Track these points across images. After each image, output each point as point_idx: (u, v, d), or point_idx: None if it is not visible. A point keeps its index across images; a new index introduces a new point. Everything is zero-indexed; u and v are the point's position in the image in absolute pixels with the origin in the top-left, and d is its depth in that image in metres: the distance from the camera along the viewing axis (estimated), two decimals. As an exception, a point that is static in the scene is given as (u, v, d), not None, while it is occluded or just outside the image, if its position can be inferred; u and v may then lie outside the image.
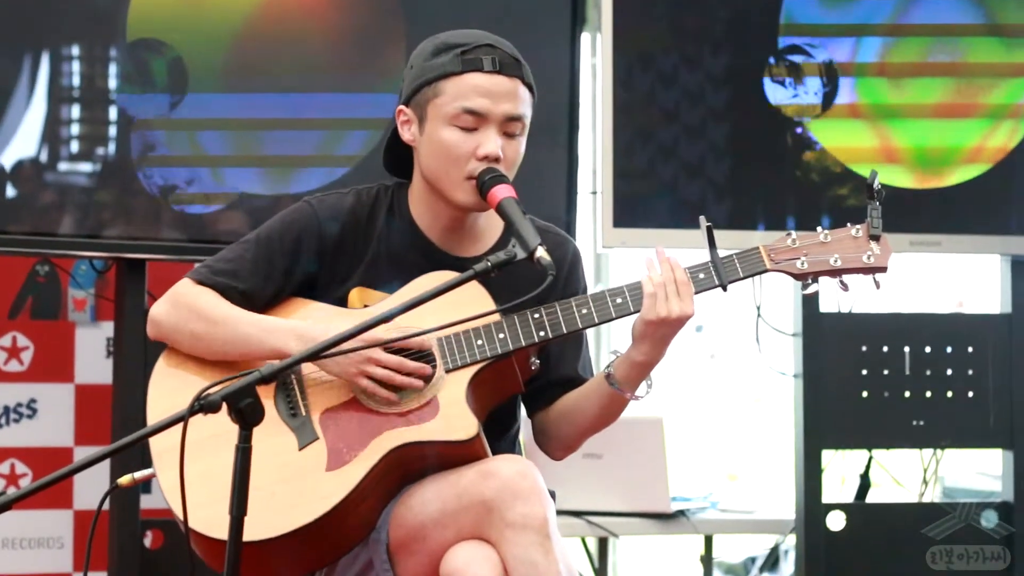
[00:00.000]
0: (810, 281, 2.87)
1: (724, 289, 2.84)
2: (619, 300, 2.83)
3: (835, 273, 2.85)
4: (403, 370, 2.78)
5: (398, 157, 3.00)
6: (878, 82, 4.42)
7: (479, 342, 2.81)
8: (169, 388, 2.88)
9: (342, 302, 2.93)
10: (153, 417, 2.84)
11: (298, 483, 2.74)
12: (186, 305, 2.88)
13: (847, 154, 4.40)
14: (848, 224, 2.87)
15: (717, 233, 2.83)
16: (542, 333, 2.81)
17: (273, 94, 4.09)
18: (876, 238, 2.84)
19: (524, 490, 2.67)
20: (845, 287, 2.87)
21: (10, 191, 3.92)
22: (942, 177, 4.44)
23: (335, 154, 4.12)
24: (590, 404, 2.92)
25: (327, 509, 2.70)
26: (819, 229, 2.87)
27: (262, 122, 4.09)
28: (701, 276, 2.82)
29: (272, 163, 4.10)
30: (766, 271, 2.85)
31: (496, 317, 2.81)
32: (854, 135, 4.41)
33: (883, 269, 2.85)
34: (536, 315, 2.82)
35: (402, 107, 2.92)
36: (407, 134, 2.92)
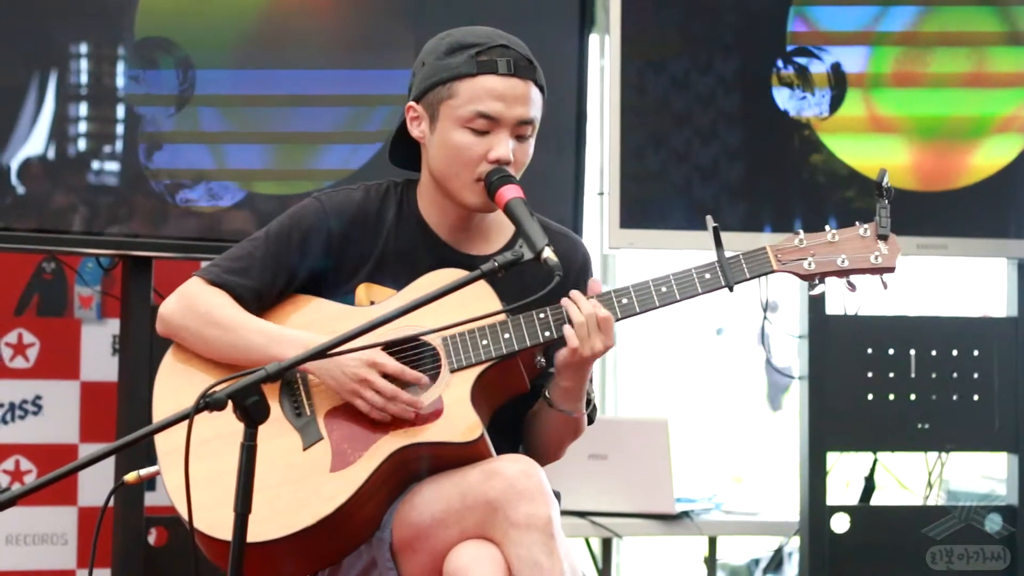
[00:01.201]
0: (817, 282, 2.85)
1: (731, 290, 2.83)
2: (624, 301, 2.82)
3: (842, 273, 2.84)
4: (398, 399, 2.77)
5: (405, 149, 2.99)
6: (897, 52, 4.41)
7: (484, 342, 2.81)
8: (175, 386, 2.88)
9: (349, 298, 2.93)
10: (159, 415, 2.85)
11: (303, 484, 2.73)
12: (196, 307, 2.88)
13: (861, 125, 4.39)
14: (856, 223, 2.86)
15: (724, 235, 2.82)
16: (547, 333, 2.81)
17: (281, 90, 4.09)
18: (884, 238, 2.83)
19: (529, 490, 2.67)
20: (852, 287, 2.85)
21: (17, 189, 3.92)
22: (954, 176, 4.43)
23: (357, 129, 4.12)
24: (546, 422, 2.93)
25: (331, 510, 2.70)
26: (827, 229, 2.86)
27: (272, 102, 4.09)
28: (707, 276, 2.82)
29: (286, 139, 4.09)
30: (772, 272, 2.84)
31: (502, 317, 2.81)
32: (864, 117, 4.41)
33: (891, 269, 2.84)
34: (542, 315, 2.81)
35: (412, 103, 2.91)
36: (416, 131, 2.92)
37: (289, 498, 2.71)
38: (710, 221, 2.80)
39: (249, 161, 4.09)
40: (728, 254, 2.83)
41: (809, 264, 2.83)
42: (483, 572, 2.65)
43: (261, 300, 2.91)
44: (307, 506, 2.71)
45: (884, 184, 2.81)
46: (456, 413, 2.77)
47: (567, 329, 2.78)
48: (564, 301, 2.79)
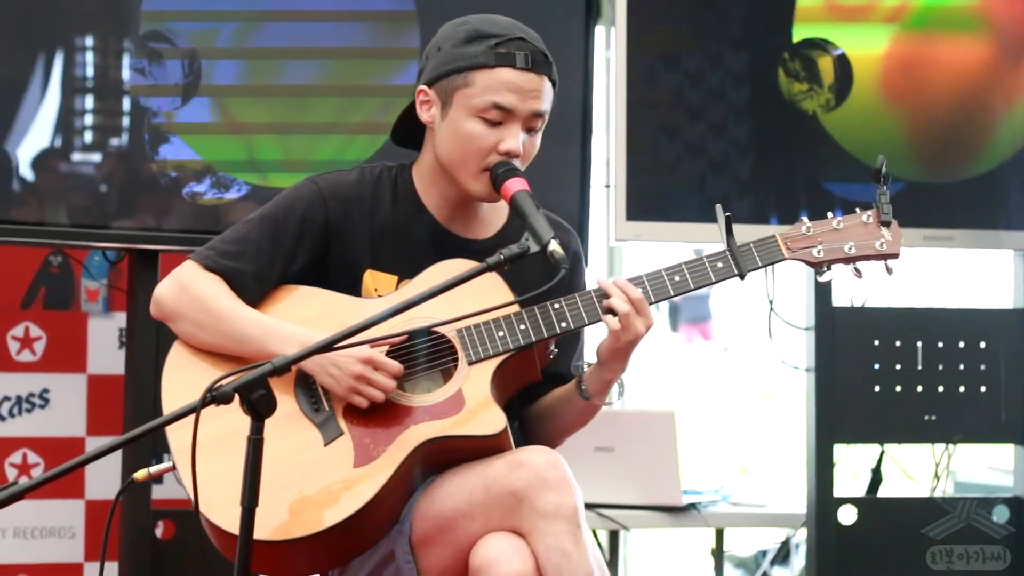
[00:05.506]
0: (825, 269, 2.87)
1: (742, 278, 2.84)
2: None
3: (850, 260, 2.86)
4: (388, 391, 2.77)
5: (405, 129, 2.99)
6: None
7: (500, 334, 2.80)
8: (183, 380, 2.86)
9: (354, 284, 2.91)
10: (167, 409, 2.82)
11: (326, 480, 2.71)
12: (191, 293, 2.86)
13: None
14: (857, 210, 2.88)
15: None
16: (563, 324, 2.81)
17: (289, 85, 4.09)
18: (887, 224, 2.85)
19: (555, 480, 2.66)
20: (859, 274, 2.87)
21: (24, 181, 3.92)
22: (960, 166, 4.43)
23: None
24: (565, 410, 2.94)
25: (360, 506, 2.68)
26: (830, 215, 2.87)
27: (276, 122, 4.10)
28: (720, 265, 2.82)
29: (295, 129, 4.10)
30: (784, 260, 2.85)
31: (515, 308, 2.80)
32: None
33: (895, 255, 2.86)
34: (556, 306, 2.81)
35: (424, 87, 2.90)
36: (426, 115, 2.91)
37: (314, 495, 2.69)
38: (720, 210, 2.81)
39: (260, 151, 4.08)
40: (737, 243, 2.83)
41: (818, 252, 2.85)
42: (512, 564, 2.63)
43: (260, 283, 2.88)
44: (334, 503, 2.68)
45: (882, 171, 2.82)
46: (478, 406, 2.76)
47: (608, 317, 2.78)
48: (602, 286, 2.79)
